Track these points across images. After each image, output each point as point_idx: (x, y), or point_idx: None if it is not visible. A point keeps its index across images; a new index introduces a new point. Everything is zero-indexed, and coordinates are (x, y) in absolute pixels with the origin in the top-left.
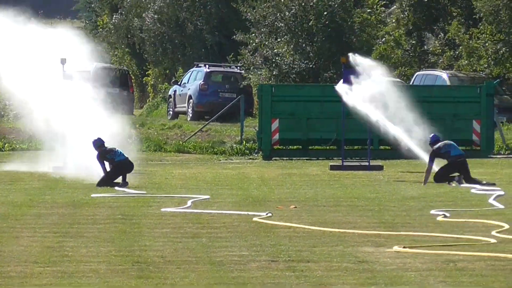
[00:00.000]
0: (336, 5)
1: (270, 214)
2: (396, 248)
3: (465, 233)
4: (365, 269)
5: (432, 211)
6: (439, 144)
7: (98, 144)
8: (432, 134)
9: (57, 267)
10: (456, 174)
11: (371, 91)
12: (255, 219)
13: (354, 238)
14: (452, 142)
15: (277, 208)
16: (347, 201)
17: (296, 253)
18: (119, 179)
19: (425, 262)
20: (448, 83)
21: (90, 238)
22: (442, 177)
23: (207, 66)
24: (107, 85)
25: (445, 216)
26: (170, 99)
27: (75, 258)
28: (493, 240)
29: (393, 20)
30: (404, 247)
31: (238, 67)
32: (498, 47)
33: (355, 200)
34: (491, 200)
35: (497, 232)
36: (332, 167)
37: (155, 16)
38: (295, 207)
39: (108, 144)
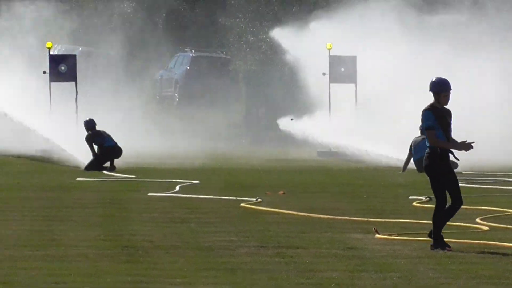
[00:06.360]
0: None
1: (260, 200)
2: (377, 236)
3: (455, 220)
4: (354, 256)
5: (410, 197)
6: None
7: (89, 125)
8: None
9: (46, 251)
10: None
11: None
12: (243, 204)
13: (343, 225)
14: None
15: (265, 194)
16: (335, 187)
17: (285, 239)
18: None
19: (414, 249)
20: None
21: (78, 222)
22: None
23: (192, 51)
24: None
25: (429, 199)
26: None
27: (63, 242)
28: (485, 228)
29: None
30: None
31: (224, 52)
32: None
33: (343, 186)
34: None
35: (481, 219)
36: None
37: None
38: (284, 193)
39: (100, 128)
